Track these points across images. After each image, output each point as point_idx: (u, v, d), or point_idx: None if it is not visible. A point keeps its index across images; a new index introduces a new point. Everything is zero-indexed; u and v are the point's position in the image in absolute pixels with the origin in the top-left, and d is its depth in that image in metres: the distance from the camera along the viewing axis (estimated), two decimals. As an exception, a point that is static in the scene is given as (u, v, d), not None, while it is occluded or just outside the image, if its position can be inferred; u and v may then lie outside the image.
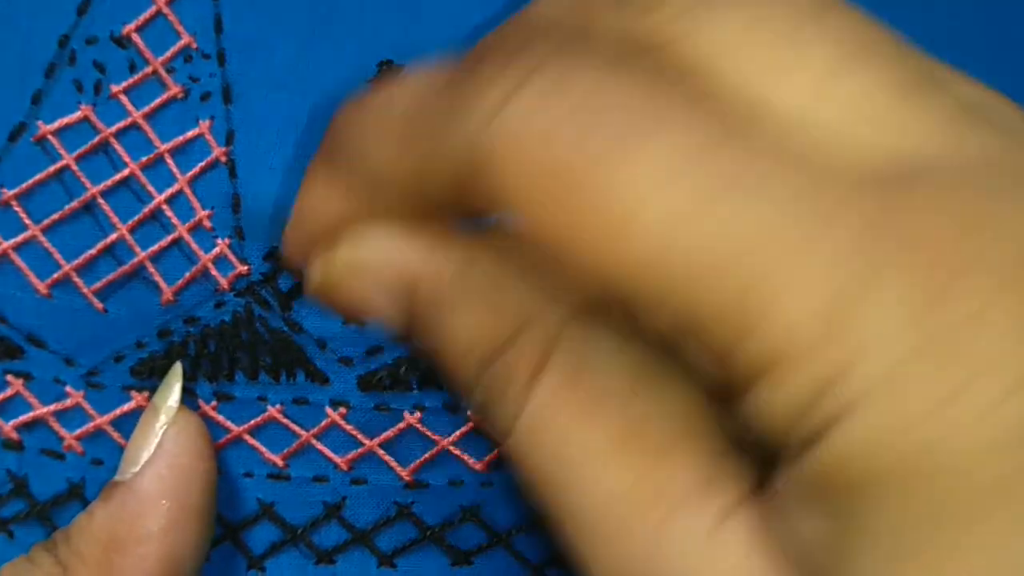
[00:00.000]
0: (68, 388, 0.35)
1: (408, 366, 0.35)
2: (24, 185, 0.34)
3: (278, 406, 0.35)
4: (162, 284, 0.34)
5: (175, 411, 0.32)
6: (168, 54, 0.34)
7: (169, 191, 0.34)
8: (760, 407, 0.20)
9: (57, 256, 0.34)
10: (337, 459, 0.35)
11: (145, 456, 0.31)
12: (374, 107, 0.26)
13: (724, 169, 0.20)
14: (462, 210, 0.24)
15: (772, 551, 0.22)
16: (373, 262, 0.27)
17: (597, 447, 0.24)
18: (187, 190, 0.34)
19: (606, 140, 0.21)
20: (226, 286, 0.34)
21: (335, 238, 0.27)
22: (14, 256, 0.34)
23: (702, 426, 0.24)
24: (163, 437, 0.31)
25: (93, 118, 0.34)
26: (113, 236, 0.34)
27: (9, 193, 0.34)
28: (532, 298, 0.25)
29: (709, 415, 0.24)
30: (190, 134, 0.34)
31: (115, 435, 0.35)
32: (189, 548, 0.30)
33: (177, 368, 0.33)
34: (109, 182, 0.34)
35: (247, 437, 0.35)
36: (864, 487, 0.20)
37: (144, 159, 0.34)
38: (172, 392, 0.32)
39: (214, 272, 0.34)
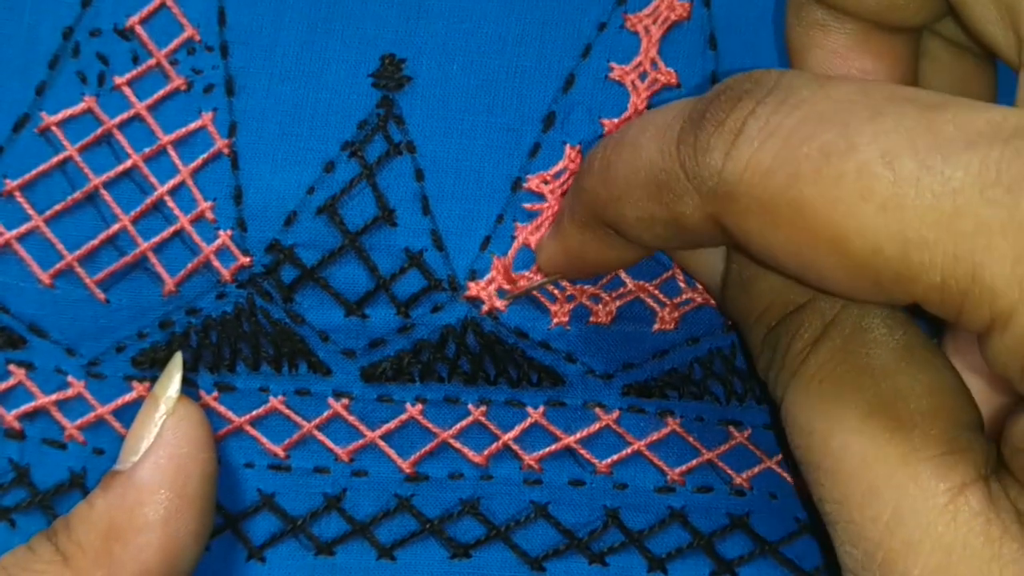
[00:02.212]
0: (70, 378, 0.35)
1: (411, 358, 0.35)
2: (27, 176, 0.34)
3: (280, 397, 0.35)
4: (164, 275, 0.34)
5: (175, 401, 0.32)
6: (171, 46, 0.34)
7: (172, 182, 0.34)
8: (992, 354, 0.24)
9: (60, 246, 0.34)
10: (338, 450, 0.35)
11: (144, 446, 0.31)
12: (618, 165, 0.29)
13: (926, 149, 0.23)
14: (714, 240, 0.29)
15: (1007, 522, 0.25)
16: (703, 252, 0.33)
17: (856, 413, 0.28)
18: (189, 182, 0.34)
19: (816, 156, 0.24)
20: (228, 277, 0.34)
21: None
22: (17, 246, 0.34)
23: (950, 406, 0.27)
24: (162, 427, 0.31)
25: (96, 110, 0.34)
26: (115, 227, 0.34)
27: (12, 184, 0.34)
28: None
29: (958, 397, 0.28)
30: (193, 126, 0.34)
31: (116, 425, 0.35)
32: (188, 538, 0.30)
33: (177, 358, 0.33)
34: (112, 173, 0.34)
35: (248, 428, 0.35)
36: None
37: (147, 151, 0.34)
38: (172, 382, 0.32)
39: (216, 263, 0.34)
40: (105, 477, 0.31)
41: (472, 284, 0.35)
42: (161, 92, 0.34)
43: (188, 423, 0.31)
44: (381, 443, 0.35)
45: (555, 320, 0.35)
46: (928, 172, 0.23)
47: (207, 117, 0.34)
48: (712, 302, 0.36)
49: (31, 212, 0.34)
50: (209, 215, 0.34)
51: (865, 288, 0.25)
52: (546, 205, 0.35)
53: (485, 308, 0.35)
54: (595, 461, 0.36)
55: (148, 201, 0.34)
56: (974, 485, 0.26)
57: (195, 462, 0.31)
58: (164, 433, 0.31)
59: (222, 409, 0.35)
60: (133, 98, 0.34)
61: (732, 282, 0.32)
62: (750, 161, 0.25)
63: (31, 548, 0.30)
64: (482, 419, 0.35)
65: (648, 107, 0.35)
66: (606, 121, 0.35)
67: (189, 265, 0.34)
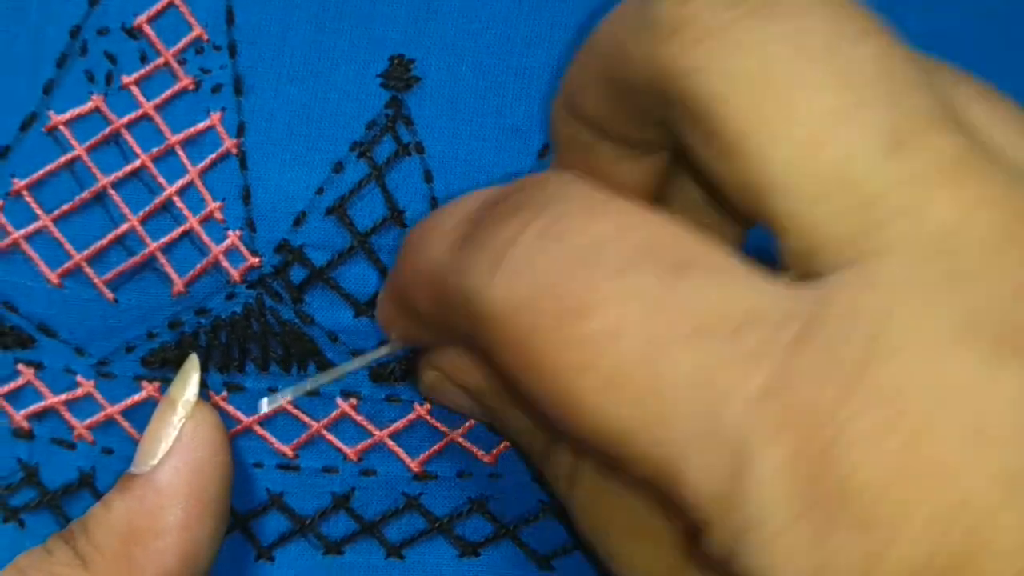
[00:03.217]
0: (79, 377, 0.35)
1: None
2: (35, 175, 0.34)
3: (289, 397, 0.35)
4: (173, 275, 0.34)
5: (193, 404, 0.32)
6: (180, 45, 0.34)
7: (180, 182, 0.34)
8: (707, 548, 0.23)
9: (68, 246, 0.34)
10: (347, 450, 0.35)
11: (162, 449, 0.31)
12: (408, 255, 0.30)
13: (650, 330, 0.22)
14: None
15: None
16: (449, 375, 0.33)
17: (620, 529, 0.30)
18: (198, 182, 0.34)
19: (579, 291, 0.23)
20: (237, 278, 0.34)
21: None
22: (25, 246, 0.34)
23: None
24: (181, 431, 0.31)
25: (104, 109, 0.34)
26: (124, 227, 0.34)
27: (20, 183, 0.34)
28: None
29: None
30: (201, 126, 0.34)
31: (126, 425, 0.35)
32: (206, 541, 0.30)
33: (193, 360, 0.33)
34: (120, 173, 0.34)
35: (257, 428, 0.35)
36: None
37: (155, 150, 0.34)
38: (189, 384, 0.32)
39: (225, 264, 0.34)
40: (121, 479, 0.31)
41: (479, 283, 0.35)
42: (169, 91, 0.34)
43: (206, 426, 0.31)
44: (389, 442, 0.36)
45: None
46: (646, 358, 0.22)
47: (215, 117, 0.34)
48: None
49: (39, 211, 0.34)
50: (218, 215, 0.34)
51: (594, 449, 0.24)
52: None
53: (493, 308, 0.35)
54: (603, 461, 0.36)
55: (156, 201, 0.34)
56: None
57: (213, 466, 0.31)
58: (183, 437, 0.31)
59: (231, 409, 0.35)
60: (141, 97, 0.34)
61: (491, 413, 0.33)
62: (504, 297, 0.24)
63: (48, 550, 0.30)
64: (490, 418, 0.36)
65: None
66: (614, 122, 0.35)
67: (198, 265, 0.34)
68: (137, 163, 0.34)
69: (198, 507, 0.30)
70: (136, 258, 0.34)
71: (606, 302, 0.23)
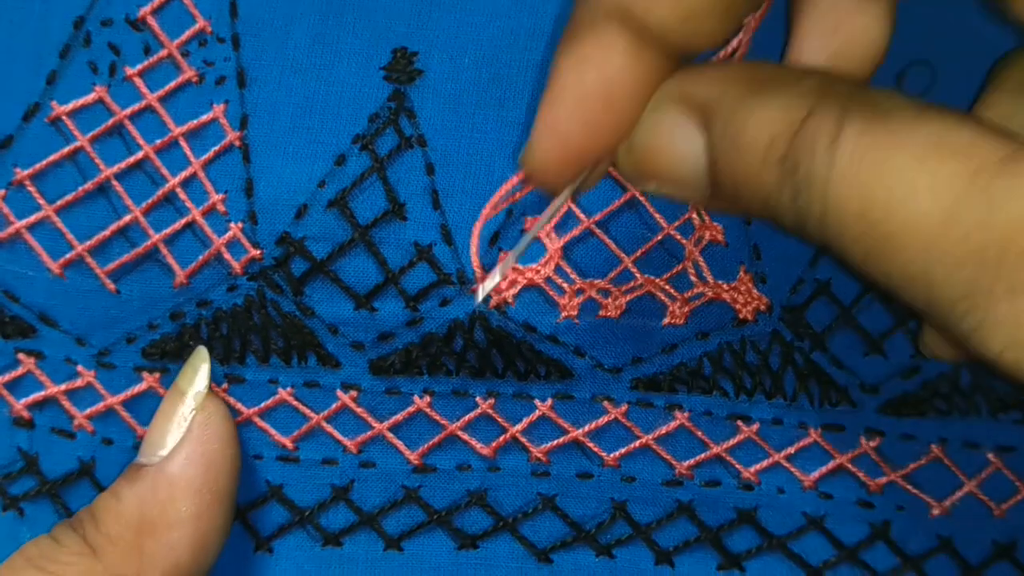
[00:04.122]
0: (79, 368, 0.35)
1: (419, 351, 0.35)
2: (38, 165, 0.34)
3: (289, 389, 0.35)
4: (175, 267, 0.35)
5: (203, 396, 0.32)
6: (183, 38, 0.34)
7: (183, 174, 0.34)
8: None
9: (70, 237, 0.34)
10: (346, 442, 0.36)
11: (172, 440, 0.31)
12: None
13: None
14: None
15: None
16: (672, 104, 0.30)
17: (912, 159, 0.26)
18: (201, 174, 0.34)
19: None
20: (239, 270, 0.35)
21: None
22: (27, 236, 0.34)
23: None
24: (192, 422, 0.31)
25: (108, 100, 0.34)
26: (127, 218, 0.34)
27: (23, 173, 0.34)
28: (810, 86, 0.28)
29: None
30: (204, 118, 0.34)
31: (126, 415, 0.35)
32: (215, 533, 0.30)
33: (202, 351, 0.33)
34: (123, 164, 0.34)
35: (257, 419, 0.35)
36: None
37: (159, 142, 0.34)
38: (199, 376, 0.32)
39: (227, 256, 0.34)
40: (130, 469, 0.31)
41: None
42: (173, 83, 0.34)
43: (217, 418, 0.31)
44: (389, 435, 0.36)
45: (564, 313, 0.35)
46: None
47: (219, 109, 0.34)
48: (723, 296, 0.36)
49: (41, 202, 0.34)
50: (220, 207, 0.34)
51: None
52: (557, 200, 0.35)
53: (493, 302, 0.35)
54: (603, 454, 0.36)
55: (159, 193, 0.34)
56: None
57: (224, 458, 0.31)
58: (194, 428, 0.31)
59: (232, 400, 0.35)
60: (144, 89, 0.34)
61: (721, 146, 0.30)
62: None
63: (56, 539, 0.30)
64: (490, 411, 0.36)
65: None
66: (616, 118, 0.35)
67: (200, 257, 0.34)
68: (140, 154, 0.34)
69: (211, 499, 0.30)
70: (138, 249, 0.34)
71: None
